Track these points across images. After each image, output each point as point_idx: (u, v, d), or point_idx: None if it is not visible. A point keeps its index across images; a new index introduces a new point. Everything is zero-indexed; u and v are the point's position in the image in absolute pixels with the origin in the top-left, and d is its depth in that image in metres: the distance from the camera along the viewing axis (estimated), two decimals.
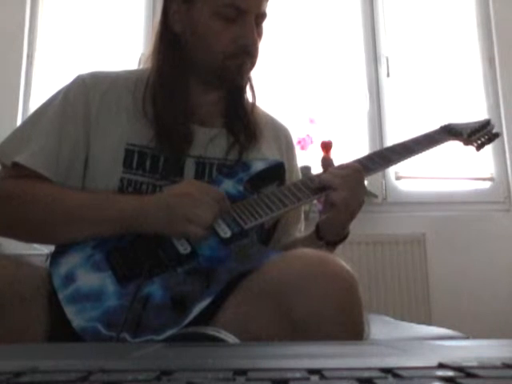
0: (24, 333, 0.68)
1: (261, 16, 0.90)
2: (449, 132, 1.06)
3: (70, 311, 0.70)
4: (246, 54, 0.88)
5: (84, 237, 0.80)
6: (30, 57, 2.49)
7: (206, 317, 0.71)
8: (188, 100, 0.92)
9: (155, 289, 0.74)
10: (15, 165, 0.85)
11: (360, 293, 0.68)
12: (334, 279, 0.67)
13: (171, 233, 0.79)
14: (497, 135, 1.10)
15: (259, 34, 0.91)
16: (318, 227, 0.91)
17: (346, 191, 0.84)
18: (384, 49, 2.67)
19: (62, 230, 0.81)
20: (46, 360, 0.31)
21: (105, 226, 0.80)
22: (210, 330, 0.64)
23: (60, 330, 0.70)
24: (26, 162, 0.84)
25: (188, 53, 0.91)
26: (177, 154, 0.89)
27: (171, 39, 0.91)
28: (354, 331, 0.66)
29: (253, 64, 0.92)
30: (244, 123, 0.95)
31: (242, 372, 0.24)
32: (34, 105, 2.41)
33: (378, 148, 2.32)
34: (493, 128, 1.10)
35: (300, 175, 1.05)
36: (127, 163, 0.87)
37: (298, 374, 0.24)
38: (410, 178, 2.55)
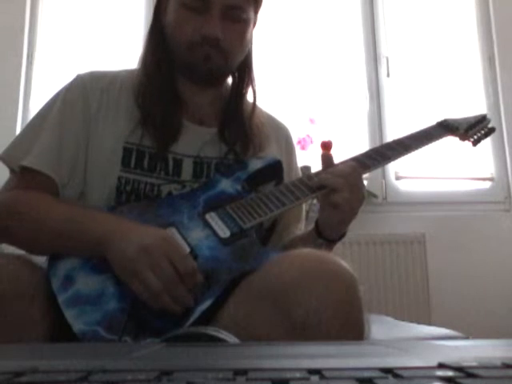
0: (24, 332, 0.68)
1: (232, 8, 0.87)
2: (445, 127, 1.06)
3: (69, 315, 0.70)
4: (209, 46, 0.87)
5: (69, 253, 0.78)
6: (30, 57, 2.49)
7: (207, 317, 0.71)
8: (175, 92, 0.92)
9: None
10: (23, 170, 0.86)
11: (360, 292, 0.68)
12: (333, 279, 0.66)
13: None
14: (493, 130, 1.10)
15: (232, 28, 0.88)
16: (317, 225, 0.90)
17: (348, 192, 0.83)
18: (384, 49, 2.67)
19: (47, 247, 0.81)
20: (45, 360, 0.31)
21: (83, 249, 0.78)
22: (210, 330, 0.64)
23: (60, 331, 0.70)
24: (32, 164, 0.85)
25: (167, 44, 0.92)
26: (161, 145, 0.88)
27: (158, 30, 0.93)
28: (354, 331, 0.66)
29: (225, 59, 0.89)
30: (240, 132, 0.94)
31: (242, 372, 0.24)
32: (34, 105, 2.41)
33: None
34: (489, 123, 1.10)
35: (300, 175, 1.04)
36: (125, 162, 0.87)
37: (297, 374, 0.24)
38: (410, 177, 2.55)
